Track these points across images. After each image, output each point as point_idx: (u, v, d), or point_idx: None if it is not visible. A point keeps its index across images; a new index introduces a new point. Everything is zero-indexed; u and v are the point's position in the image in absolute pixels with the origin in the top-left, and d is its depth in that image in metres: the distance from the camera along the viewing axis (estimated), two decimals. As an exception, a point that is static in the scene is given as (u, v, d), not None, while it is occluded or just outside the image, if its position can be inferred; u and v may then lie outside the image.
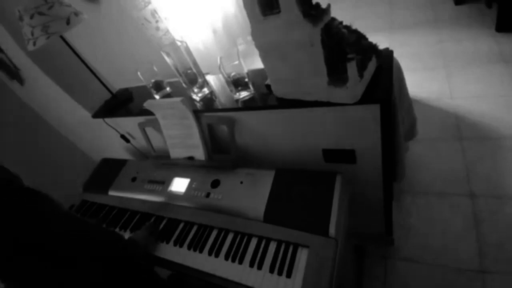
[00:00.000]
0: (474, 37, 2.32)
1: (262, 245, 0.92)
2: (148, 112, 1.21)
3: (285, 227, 0.91)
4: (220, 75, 1.09)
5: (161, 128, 1.23)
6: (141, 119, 1.29)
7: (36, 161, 1.56)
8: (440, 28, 2.55)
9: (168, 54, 1.11)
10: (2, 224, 0.63)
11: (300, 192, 0.96)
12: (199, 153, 1.19)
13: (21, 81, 1.54)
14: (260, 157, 1.24)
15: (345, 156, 1.04)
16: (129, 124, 1.41)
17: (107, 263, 0.78)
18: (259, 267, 0.88)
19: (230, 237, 0.98)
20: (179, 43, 1.10)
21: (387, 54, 0.95)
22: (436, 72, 2.19)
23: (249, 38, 0.87)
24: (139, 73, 1.25)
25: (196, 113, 1.14)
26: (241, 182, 1.07)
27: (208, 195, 1.09)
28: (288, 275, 0.83)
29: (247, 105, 1.05)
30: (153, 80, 1.29)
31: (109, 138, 1.53)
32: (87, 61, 1.30)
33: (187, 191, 1.14)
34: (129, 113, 1.34)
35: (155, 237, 1.07)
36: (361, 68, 0.82)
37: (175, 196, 1.16)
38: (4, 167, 0.72)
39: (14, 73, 1.51)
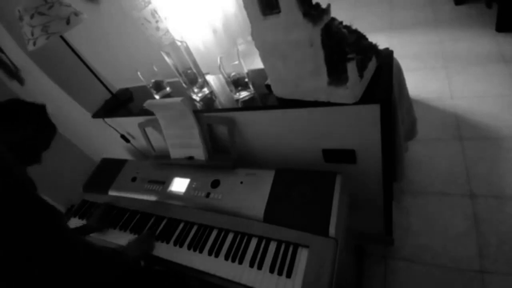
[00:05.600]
0: (474, 37, 2.32)
1: (262, 245, 0.92)
2: (148, 112, 1.21)
3: (285, 227, 0.91)
4: (220, 75, 1.09)
5: (161, 128, 1.23)
6: (141, 119, 1.29)
7: (36, 161, 1.56)
8: (440, 28, 2.55)
9: (168, 54, 1.10)
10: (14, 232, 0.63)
11: (300, 192, 0.95)
12: (199, 153, 1.19)
13: (21, 81, 1.54)
14: (260, 157, 1.24)
15: (345, 156, 1.04)
16: (129, 124, 1.41)
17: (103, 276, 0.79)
18: (259, 267, 0.88)
19: (230, 237, 0.98)
20: (179, 43, 1.10)
21: (387, 54, 0.95)
22: (436, 72, 2.19)
23: (249, 38, 0.87)
24: (139, 73, 1.25)
25: (196, 113, 1.14)
26: (241, 182, 1.07)
27: (208, 195, 1.09)
28: (288, 275, 0.83)
29: (247, 105, 1.05)
30: (153, 80, 1.29)
31: (109, 138, 1.53)
32: (87, 61, 1.30)
33: (187, 191, 1.14)
34: (129, 113, 1.34)
35: (154, 240, 1.07)
36: (361, 68, 0.82)
37: (175, 196, 1.16)
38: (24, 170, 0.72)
39: (14, 73, 1.51)
